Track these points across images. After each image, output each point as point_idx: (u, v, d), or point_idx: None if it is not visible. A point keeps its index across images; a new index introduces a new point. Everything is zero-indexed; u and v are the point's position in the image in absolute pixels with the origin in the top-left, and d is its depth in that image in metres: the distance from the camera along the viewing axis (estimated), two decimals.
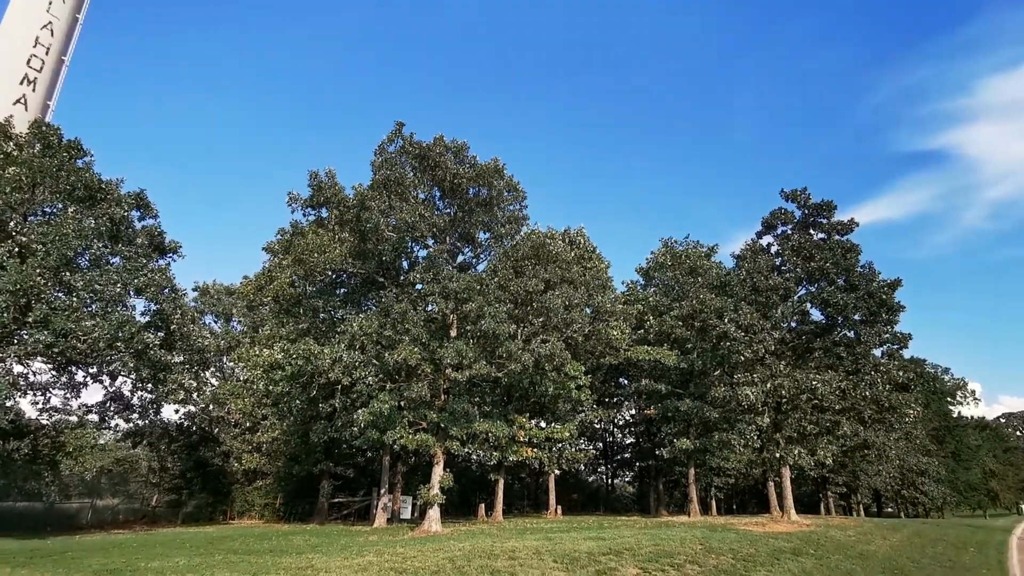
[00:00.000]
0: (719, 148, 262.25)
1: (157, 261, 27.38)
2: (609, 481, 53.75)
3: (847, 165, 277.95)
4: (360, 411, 21.63)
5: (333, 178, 24.76)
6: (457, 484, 25.82)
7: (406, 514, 29.29)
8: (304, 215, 25.86)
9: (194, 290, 37.61)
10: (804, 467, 29.17)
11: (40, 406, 25.47)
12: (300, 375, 23.25)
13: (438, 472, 23.27)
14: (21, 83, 37.84)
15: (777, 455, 28.21)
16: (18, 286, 20.88)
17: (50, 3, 40.23)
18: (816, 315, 29.76)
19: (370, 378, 21.94)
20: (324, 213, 26.13)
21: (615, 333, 29.53)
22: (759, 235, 31.89)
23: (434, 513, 22.68)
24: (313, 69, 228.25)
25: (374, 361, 21.97)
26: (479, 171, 24.56)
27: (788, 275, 29.60)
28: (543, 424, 31.71)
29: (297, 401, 26.17)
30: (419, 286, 24.78)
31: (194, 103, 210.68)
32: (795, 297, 29.64)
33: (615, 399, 43.06)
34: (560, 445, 31.32)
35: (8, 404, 23.84)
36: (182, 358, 28.54)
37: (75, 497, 37.91)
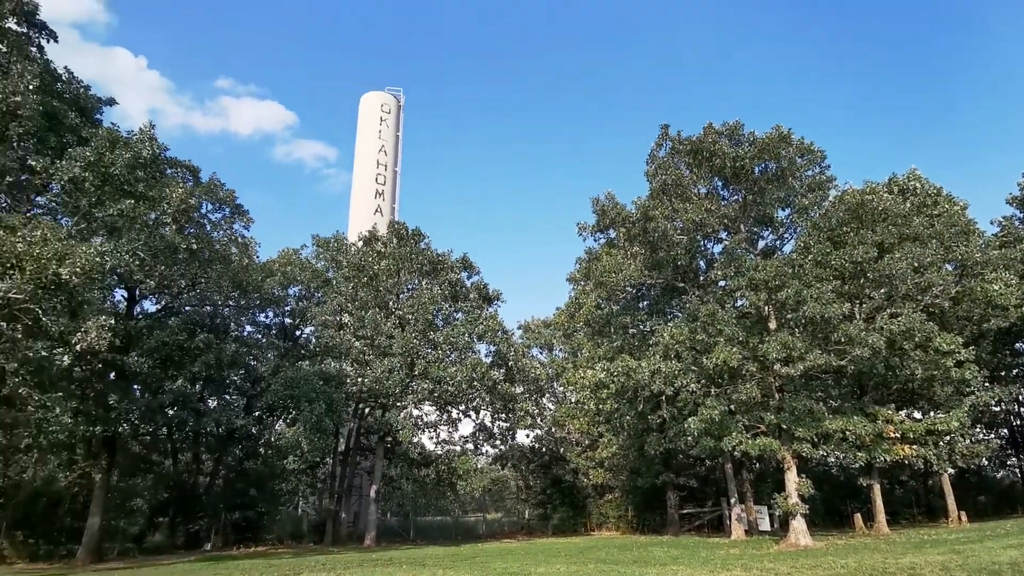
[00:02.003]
0: None
1: (487, 309, 32.39)
2: None
3: None
4: (690, 419, 21.22)
5: (613, 199, 25.62)
6: (819, 491, 22.99)
7: (764, 525, 27.22)
8: (595, 240, 27.30)
9: (519, 328, 42.96)
10: None
11: (434, 440, 32.20)
12: (624, 391, 24.10)
13: (792, 479, 21.09)
14: (375, 197, 50.01)
15: None
16: (404, 349, 27.06)
17: (380, 131, 52.52)
18: None
19: (692, 385, 21.45)
20: (612, 233, 27.14)
21: (996, 288, 22.90)
22: None
23: (799, 524, 20.52)
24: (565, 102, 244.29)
25: (692, 367, 21.44)
26: (761, 146, 22.32)
27: None
28: (918, 414, 26.07)
29: (627, 416, 27.14)
30: (722, 283, 23.49)
31: (478, 170, 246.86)
32: None
33: (1016, 372, 32.94)
34: (948, 438, 25.22)
35: (414, 440, 30.86)
36: (522, 389, 32.80)
37: (471, 512, 46.48)
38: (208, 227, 25.12)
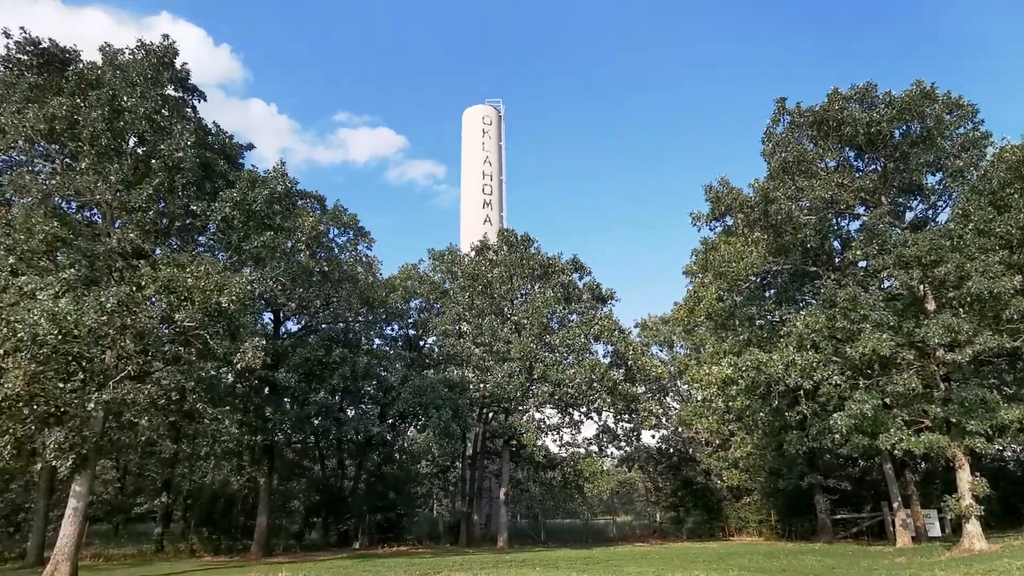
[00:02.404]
0: None
1: (602, 309, 31.94)
2: None
3: None
4: (835, 415, 19.36)
5: (727, 184, 24.17)
6: (994, 490, 20.01)
7: (934, 531, 24.16)
8: (710, 229, 25.91)
9: (635, 327, 41.87)
10: None
11: (558, 443, 32.26)
12: (755, 386, 22.57)
13: (965, 478, 18.53)
14: (483, 208, 51.38)
15: None
16: (522, 353, 27.44)
17: (483, 142, 53.97)
18: None
19: (835, 377, 19.55)
20: (729, 221, 25.62)
21: None
22: None
23: (973, 528, 18.01)
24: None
25: (834, 358, 19.58)
26: (901, 106, 19.96)
27: None
28: None
29: (760, 413, 25.41)
30: (862, 263, 21.25)
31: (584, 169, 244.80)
32: None
33: None
34: None
35: (538, 443, 31.10)
36: (643, 388, 31.88)
37: (600, 514, 45.94)
38: (336, 250, 27.24)
